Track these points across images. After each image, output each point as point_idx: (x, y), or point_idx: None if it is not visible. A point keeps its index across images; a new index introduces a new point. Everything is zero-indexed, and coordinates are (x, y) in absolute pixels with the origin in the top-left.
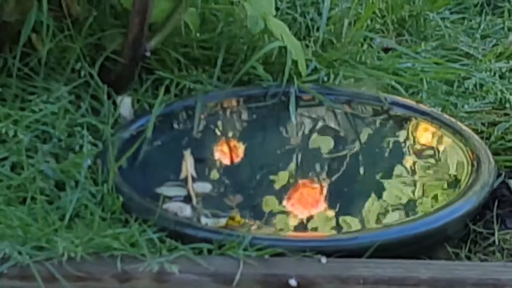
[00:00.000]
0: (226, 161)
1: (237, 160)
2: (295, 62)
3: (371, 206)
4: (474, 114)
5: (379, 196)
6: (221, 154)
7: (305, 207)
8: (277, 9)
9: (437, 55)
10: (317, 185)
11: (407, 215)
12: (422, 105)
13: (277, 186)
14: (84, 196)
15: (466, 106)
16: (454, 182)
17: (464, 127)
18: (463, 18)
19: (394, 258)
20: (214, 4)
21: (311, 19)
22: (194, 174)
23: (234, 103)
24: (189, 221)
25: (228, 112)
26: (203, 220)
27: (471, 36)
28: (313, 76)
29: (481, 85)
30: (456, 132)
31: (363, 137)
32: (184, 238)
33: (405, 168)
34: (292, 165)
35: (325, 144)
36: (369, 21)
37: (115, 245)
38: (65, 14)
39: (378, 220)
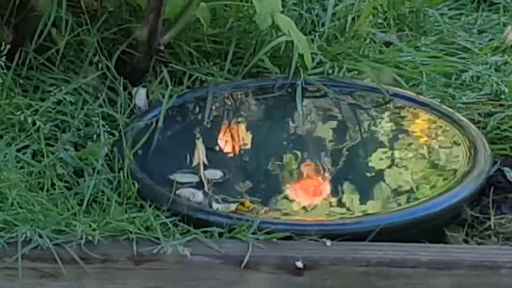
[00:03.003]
0: (236, 150)
1: (246, 148)
2: (301, 56)
3: (373, 192)
4: (471, 105)
5: (381, 183)
6: (231, 143)
7: (311, 193)
8: (283, 5)
9: (436, 49)
10: (322, 172)
11: (408, 200)
12: (422, 97)
13: (284, 173)
14: (101, 182)
15: (463, 98)
16: (452, 169)
17: (462, 117)
18: (461, 14)
19: (395, 241)
20: (225, 1)
21: (316, 15)
22: (206, 162)
23: (243, 94)
24: (201, 206)
25: (237, 103)
26: (214, 205)
27: (468, 31)
28: (318, 69)
29: (478, 78)
30: (454, 122)
31: (366, 126)
32: (196, 222)
33: (406, 156)
34: (298, 153)
35: (330, 133)
36: (371, 17)
37: (130, 228)
38: (83, 10)
39: (380, 206)
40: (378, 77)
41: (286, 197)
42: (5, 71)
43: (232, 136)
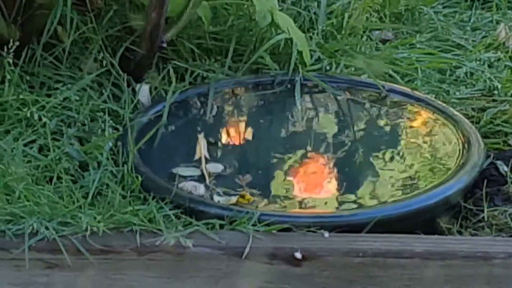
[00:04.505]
0: (236, 144)
1: (246, 142)
2: (300, 53)
3: (370, 184)
4: (465, 100)
5: (378, 176)
6: (232, 137)
7: (309, 186)
8: (283, 3)
9: (431, 46)
10: (320, 165)
11: (403, 193)
12: (417, 92)
13: (283, 166)
14: (106, 176)
15: (457, 93)
16: (447, 163)
17: (456, 112)
18: (455, 12)
19: (391, 233)
20: None
21: (314, 13)
22: (207, 156)
23: (243, 90)
24: (203, 199)
25: (238, 99)
26: (216, 198)
27: (462, 29)
28: (316, 65)
29: (472, 74)
30: (449, 117)
31: (363, 121)
32: (198, 215)
33: (402, 149)
34: (297, 147)
35: (328, 127)
36: (368, 15)
37: (134, 221)
38: (88, 8)
39: (376, 198)
40: (371, 71)
41: (285, 190)
42: (13, 68)
43: (232, 130)
